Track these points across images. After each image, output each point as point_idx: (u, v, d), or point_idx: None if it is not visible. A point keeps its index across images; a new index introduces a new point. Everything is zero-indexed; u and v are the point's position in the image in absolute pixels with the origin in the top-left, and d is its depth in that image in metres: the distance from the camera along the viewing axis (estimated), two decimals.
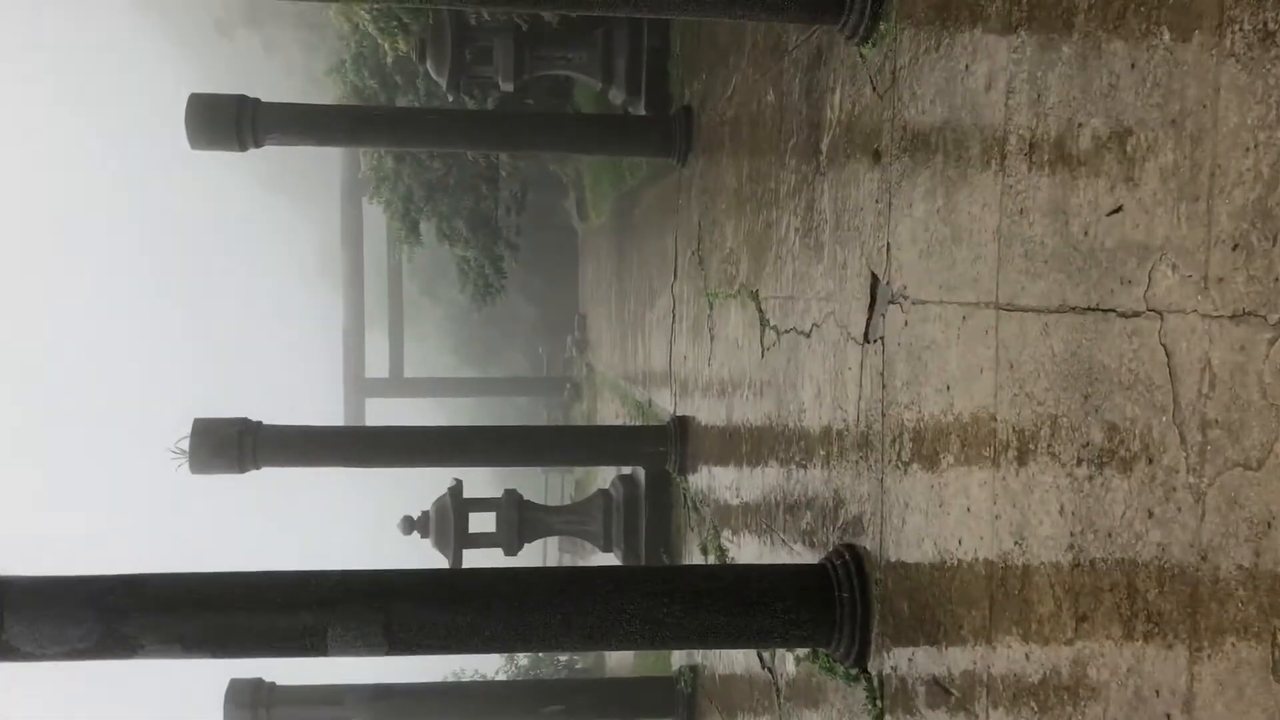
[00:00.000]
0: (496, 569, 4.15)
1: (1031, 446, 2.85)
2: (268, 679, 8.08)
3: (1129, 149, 2.41)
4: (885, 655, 3.92)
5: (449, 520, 9.57)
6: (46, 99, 61.42)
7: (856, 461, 4.29)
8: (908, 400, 3.75)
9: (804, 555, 5.06)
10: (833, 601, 4.11)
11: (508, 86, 10.66)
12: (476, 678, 14.60)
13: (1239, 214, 2.04)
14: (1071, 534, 2.63)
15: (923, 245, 3.64)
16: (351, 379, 23.15)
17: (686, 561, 8.65)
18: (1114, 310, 2.46)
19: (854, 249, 4.37)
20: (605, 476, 12.80)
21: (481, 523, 9.85)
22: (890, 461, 3.90)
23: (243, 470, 7.53)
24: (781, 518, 5.51)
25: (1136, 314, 2.37)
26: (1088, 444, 2.56)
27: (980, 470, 3.16)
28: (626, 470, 10.39)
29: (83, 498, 62.31)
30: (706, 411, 7.72)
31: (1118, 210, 2.45)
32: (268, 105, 7.38)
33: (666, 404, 9.60)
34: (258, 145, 7.43)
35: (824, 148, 4.86)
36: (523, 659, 15.77)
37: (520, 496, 10.08)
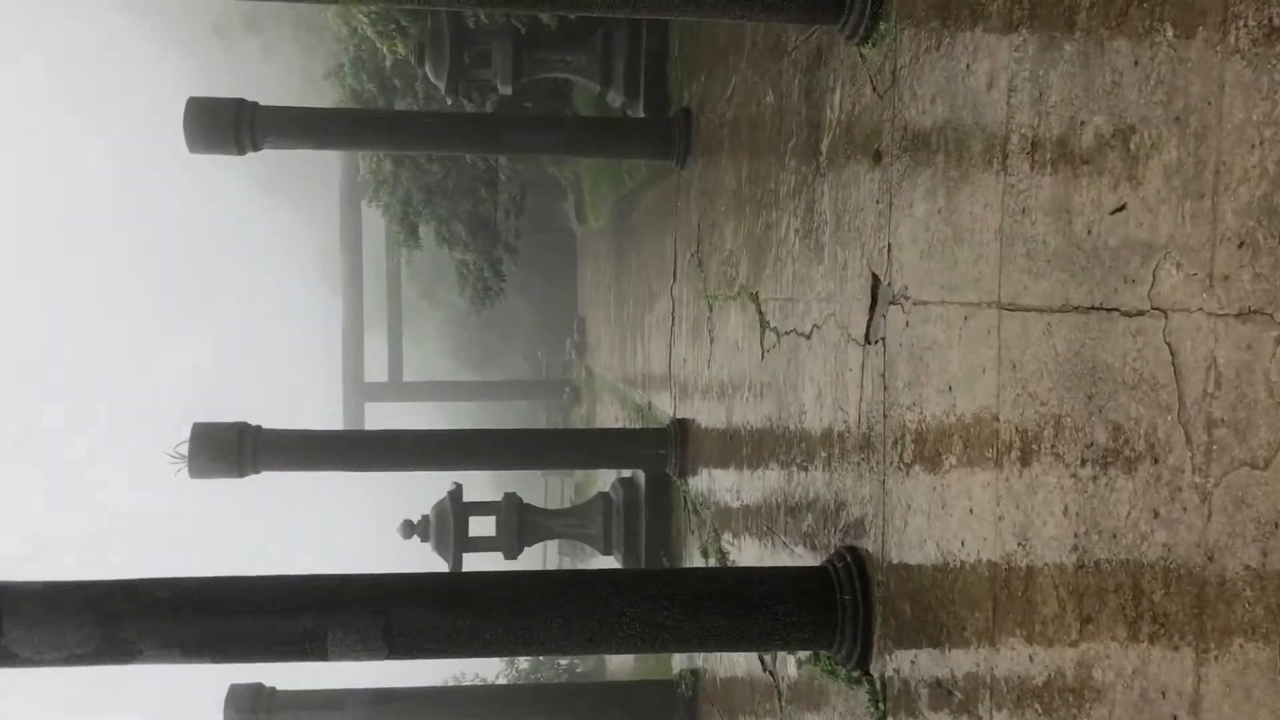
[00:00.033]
0: (496, 573, 4.13)
1: (1035, 447, 2.83)
2: (268, 684, 8.06)
3: (1132, 147, 2.39)
4: (887, 658, 3.90)
5: (449, 524, 9.55)
6: (46, 102, 61.45)
7: (858, 463, 4.28)
8: (909, 401, 3.73)
9: (805, 558, 5.04)
10: (834, 604, 4.10)
11: (506, 89, 10.65)
12: (477, 681, 14.57)
13: (1244, 211, 2.02)
14: (1075, 535, 2.62)
15: (924, 245, 3.63)
16: (350, 383, 23.14)
17: (687, 564, 8.63)
18: (1118, 309, 2.44)
19: (854, 250, 4.36)
20: (605, 480, 12.78)
21: (481, 526, 9.83)
22: (892, 463, 3.89)
23: (242, 474, 7.52)
24: (782, 520, 5.49)
25: (1140, 313, 2.35)
26: (1092, 444, 2.55)
27: (983, 471, 3.15)
28: (626, 473, 10.37)
29: (81, 502, 62.25)
30: (706, 414, 7.70)
31: (1121, 209, 2.43)
32: (266, 109, 7.37)
33: (666, 407, 9.59)
34: (256, 149, 7.42)
35: (824, 148, 4.84)
36: (523, 663, 15.74)
37: (520, 500, 10.06)
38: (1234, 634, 2.03)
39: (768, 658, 5.83)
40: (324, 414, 22.33)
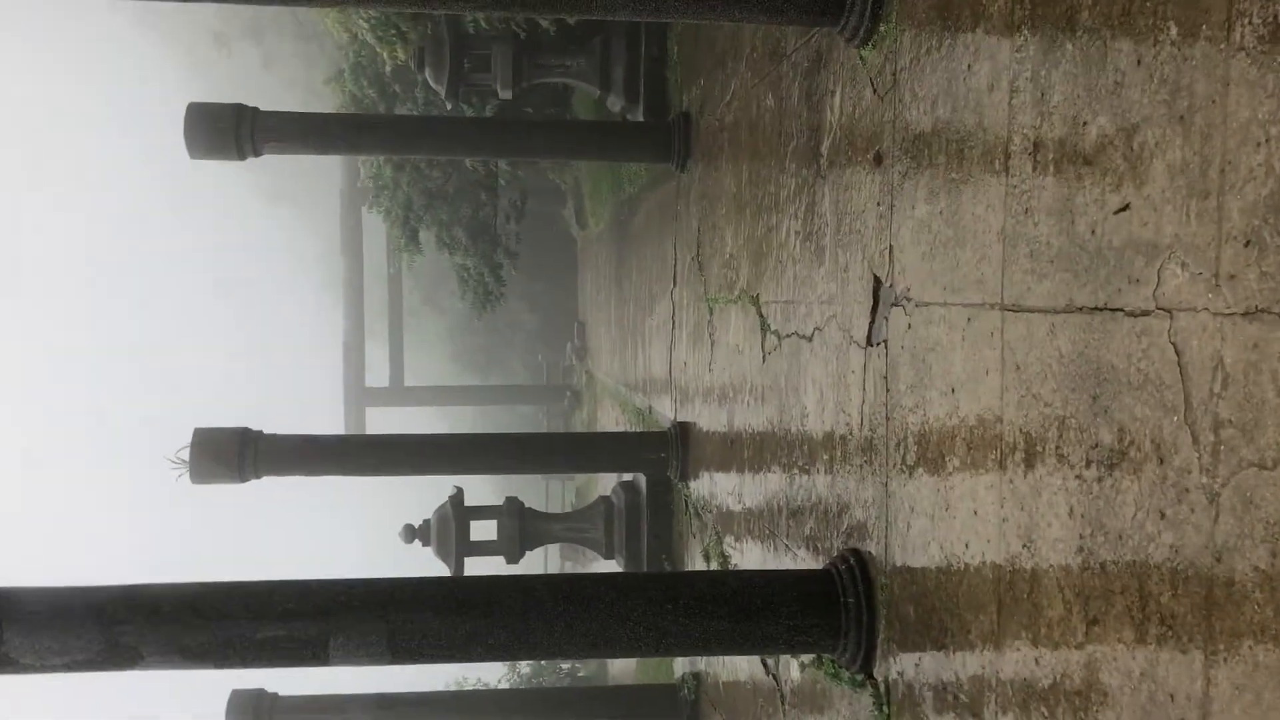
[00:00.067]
0: (499, 576, 4.12)
1: (1039, 448, 2.82)
2: (270, 689, 8.04)
3: (1136, 146, 2.38)
4: (891, 660, 3.88)
5: (450, 528, 9.53)
6: (47, 107, 61.52)
7: (860, 466, 4.26)
8: (912, 403, 3.72)
9: (808, 561, 5.02)
10: (838, 607, 4.08)
11: (506, 94, 10.65)
12: (479, 686, 14.55)
13: (1250, 210, 2.01)
14: (1081, 536, 2.60)
15: (925, 247, 3.62)
16: (352, 388, 23.13)
17: (689, 568, 8.61)
18: (1122, 310, 2.43)
19: (856, 252, 4.35)
20: (606, 484, 12.77)
21: (483, 531, 9.82)
22: (895, 465, 3.87)
23: (243, 479, 7.51)
24: (785, 523, 5.47)
25: (1145, 313, 2.34)
26: (1097, 445, 2.53)
27: (987, 473, 3.13)
28: (628, 477, 10.36)
29: (83, 508, 62.22)
30: (707, 417, 7.69)
31: (1125, 208, 2.42)
32: (266, 113, 7.37)
33: (667, 410, 9.58)
34: (257, 154, 7.42)
35: (824, 151, 4.83)
36: (525, 667, 15.72)
37: (521, 504, 10.04)
38: (1243, 636, 2.02)
39: (770, 661, 5.82)
40: (325, 419, 22.33)
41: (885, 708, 3.95)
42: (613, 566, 10.37)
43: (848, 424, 4.42)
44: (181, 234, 62.96)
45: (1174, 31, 2.25)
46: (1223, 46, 2.09)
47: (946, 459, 3.42)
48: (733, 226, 6.87)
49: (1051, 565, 2.75)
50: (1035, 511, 2.84)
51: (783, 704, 5.56)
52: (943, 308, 3.47)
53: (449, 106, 11.23)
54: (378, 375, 24.17)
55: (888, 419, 3.95)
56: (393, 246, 17.14)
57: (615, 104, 10.58)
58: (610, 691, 11.99)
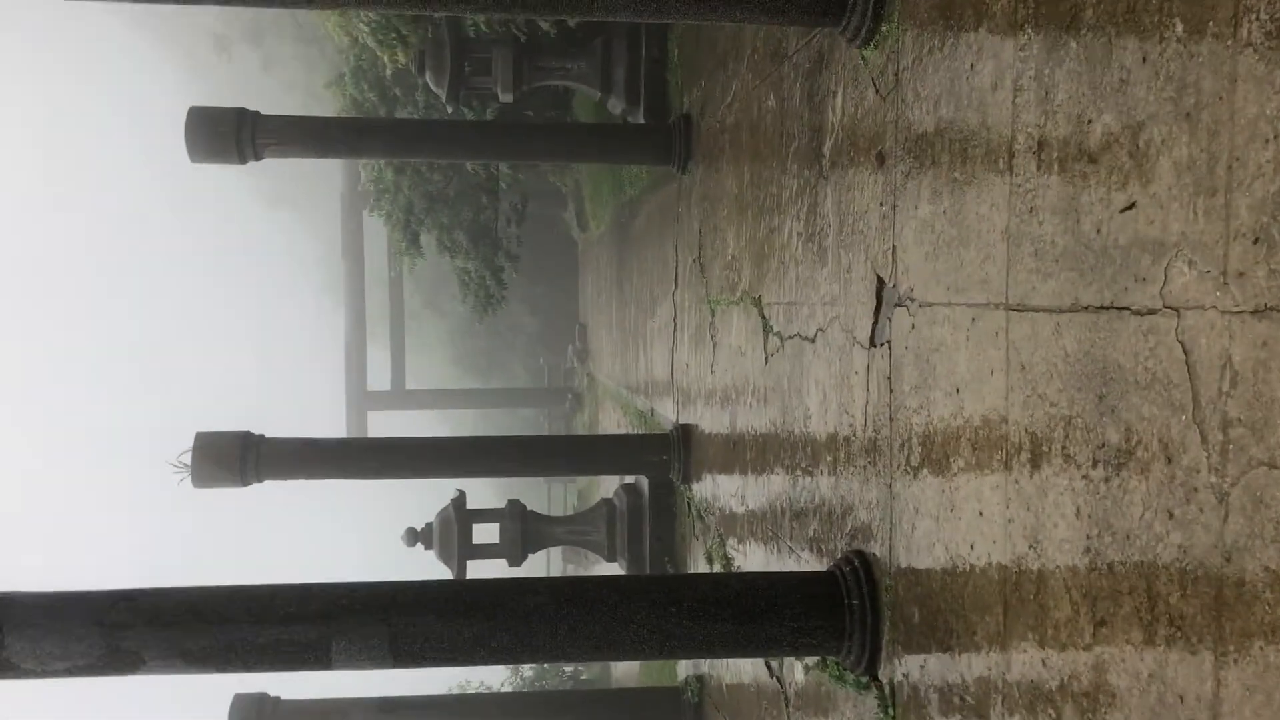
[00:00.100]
0: (501, 579, 4.11)
1: (1045, 449, 2.80)
2: (272, 693, 8.03)
3: (1142, 144, 2.37)
4: (896, 663, 3.86)
5: (452, 532, 9.52)
6: (48, 113, 61.56)
7: (864, 467, 4.25)
8: (916, 404, 3.70)
9: (811, 563, 5.01)
10: (842, 609, 4.06)
11: (506, 98, 10.65)
12: (482, 689, 14.53)
13: (1259, 207, 2.00)
14: (1088, 537, 2.59)
15: (929, 247, 3.60)
16: (353, 391, 23.12)
17: (691, 570, 8.59)
18: (1128, 308, 2.42)
19: (858, 253, 4.33)
20: (608, 486, 12.75)
21: (485, 534, 9.80)
22: (899, 466, 3.86)
23: (245, 483, 7.49)
24: (788, 525, 5.46)
25: (1152, 311, 2.32)
26: (1103, 445, 2.52)
27: (992, 474, 3.12)
28: (630, 479, 10.34)
29: (84, 511, 62.20)
30: (710, 419, 7.67)
31: (1131, 207, 2.41)
32: (267, 117, 7.36)
33: (669, 412, 9.56)
34: (257, 158, 7.42)
35: (826, 152, 4.82)
36: (528, 670, 15.70)
37: (524, 507, 10.03)
38: (1254, 636, 2.00)
39: (774, 663, 5.80)
40: (327, 422, 22.32)
41: (890, 710, 3.93)
42: (615, 569, 10.35)
43: (851, 425, 4.41)
44: (183, 238, 63.00)
45: (1180, 28, 2.24)
46: (1229, 43, 2.07)
47: (951, 460, 3.40)
48: (734, 228, 6.86)
49: (1058, 566, 2.73)
50: (1041, 512, 2.82)
51: (787, 706, 5.54)
52: (947, 308, 3.45)
53: (450, 110, 11.22)
54: (379, 379, 24.15)
55: (891, 420, 3.93)
56: (394, 250, 17.14)
57: (616, 106, 10.57)
58: (613, 694, 11.96)
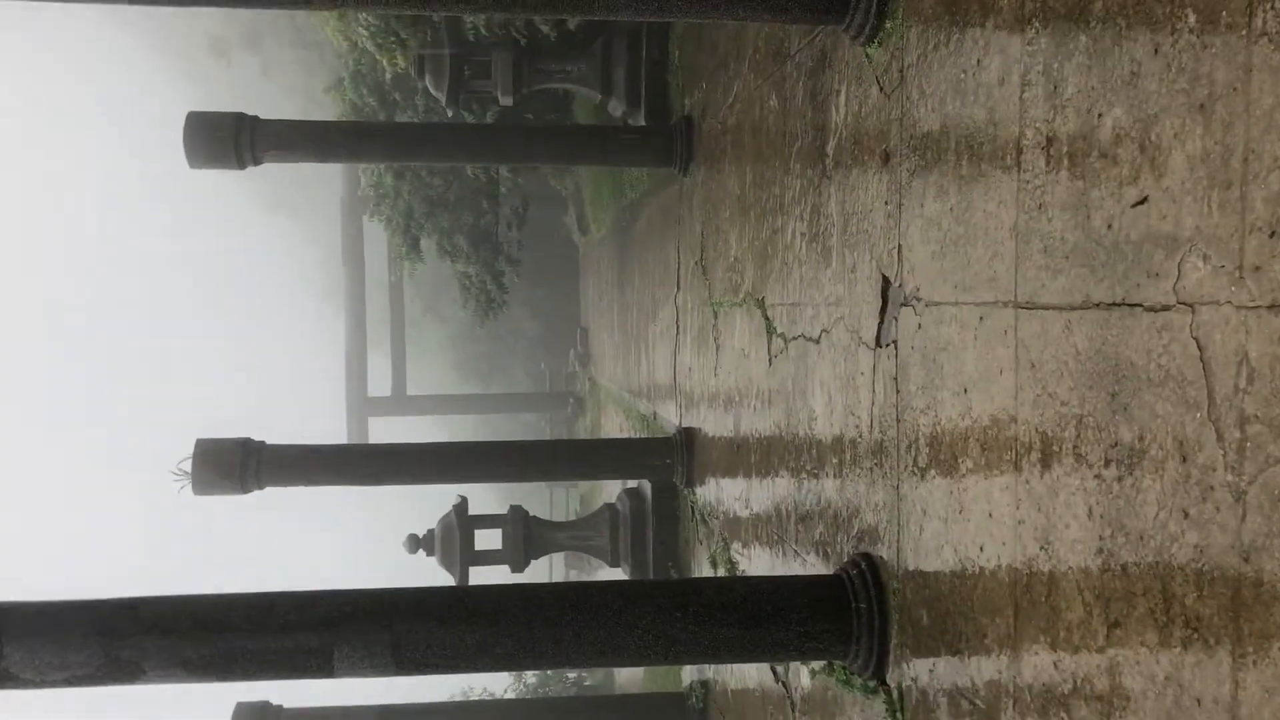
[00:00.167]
0: (504, 585, 4.06)
1: (1056, 448, 2.76)
2: (274, 701, 7.99)
3: (1153, 137, 2.33)
4: (904, 666, 3.82)
5: (454, 538, 9.48)
6: (48, 118, 61.63)
7: (871, 469, 4.21)
8: (923, 405, 3.66)
9: (817, 566, 4.96)
10: (849, 612, 4.02)
11: (507, 101, 10.62)
12: (485, 696, 14.48)
13: (1275, 199, 1.96)
14: (1100, 537, 2.55)
15: (935, 246, 3.56)
16: (354, 397, 23.08)
17: (695, 575, 8.55)
18: (1141, 305, 2.38)
19: (863, 252, 4.30)
20: (611, 491, 12.70)
21: (487, 540, 9.76)
22: (906, 467, 3.82)
23: (245, 491, 7.45)
24: (793, 528, 5.41)
25: (1166, 308, 2.29)
26: (1116, 444, 2.48)
27: (1002, 474, 3.08)
28: (632, 484, 10.30)
29: (83, 519, 62.18)
30: (713, 423, 7.63)
31: (1143, 201, 2.37)
32: (265, 122, 7.33)
33: (672, 416, 9.52)
34: (256, 163, 7.38)
35: (830, 151, 4.79)
36: (531, 677, 15.65)
37: (526, 512, 9.99)
38: (1273, 638, 1.96)
39: (780, 668, 5.75)
40: (328, 429, 22.28)
41: (899, 714, 3.89)
42: (618, 574, 10.31)
43: (857, 426, 4.37)
44: (182, 244, 63.03)
45: (1192, 19, 2.20)
46: (1244, 33, 2.04)
47: (959, 460, 3.36)
48: (737, 229, 6.82)
49: (1070, 567, 2.69)
50: (1052, 512, 2.78)
51: (793, 711, 5.50)
52: (954, 307, 3.41)
53: (450, 113, 11.20)
54: (380, 384, 24.11)
55: (898, 421, 3.89)
56: (394, 255, 17.11)
57: (616, 109, 10.54)
58: (617, 700, 11.91)
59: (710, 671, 8.21)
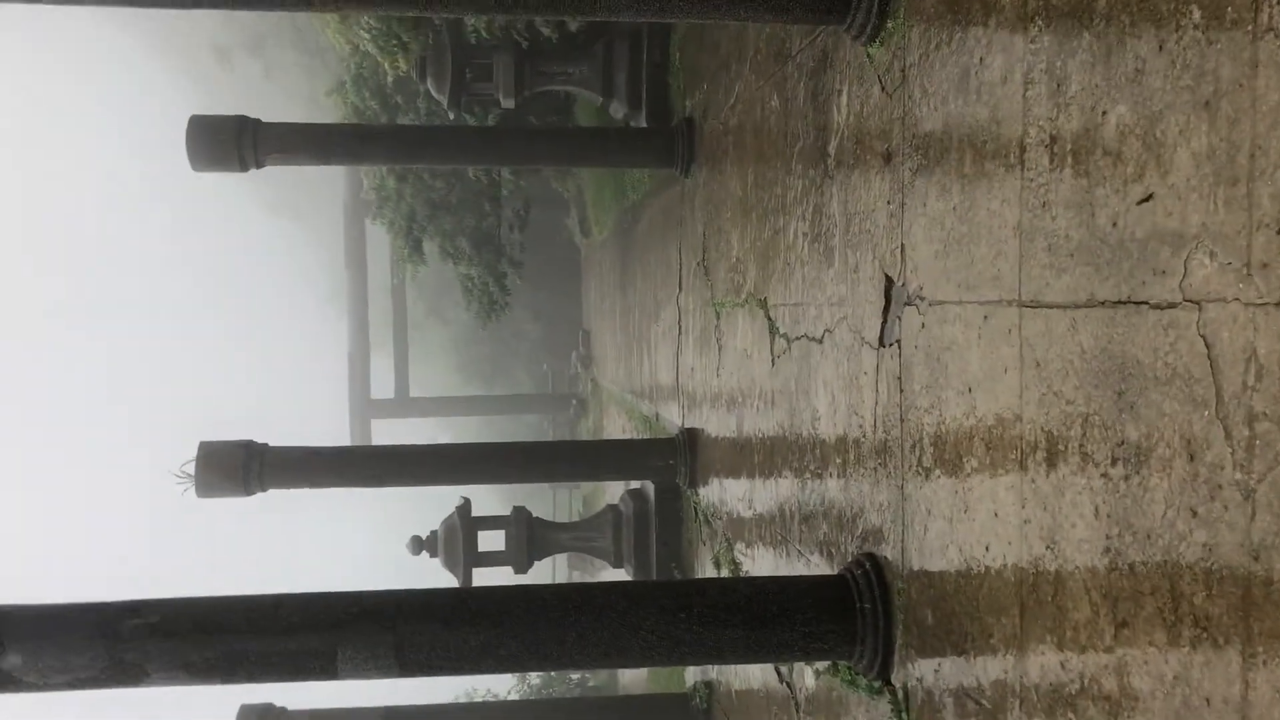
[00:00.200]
0: (508, 587, 4.05)
1: (1061, 447, 2.75)
2: (278, 704, 7.98)
3: (1159, 134, 2.32)
4: (910, 666, 3.81)
5: (458, 539, 9.47)
6: (49, 122, 61.70)
7: (875, 469, 4.20)
8: (927, 404, 3.65)
9: (821, 566, 4.95)
10: (853, 613, 4.01)
11: (508, 103, 10.62)
12: (489, 698, 14.47)
13: None
14: (1107, 536, 2.53)
15: (939, 245, 3.55)
16: (357, 399, 23.09)
17: (699, 576, 8.53)
18: (1147, 302, 2.37)
19: (866, 252, 4.29)
20: (614, 492, 12.69)
21: (490, 541, 9.75)
22: (910, 467, 3.81)
23: (249, 493, 7.45)
24: (797, 529, 5.40)
25: (1172, 305, 2.27)
26: (1123, 442, 2.46)
27: (1007, 474, 3.07)
28: (635, 485, 10.29)
29: (86, 522, 62.22)
30: (716, 423, 7.62)
31: (1148, 199, 2.36)
32: (268, 124, 7.33)
33: (674, 417, 9.51)
34: (259, 166, 7.38)
35: (832, 151, 4.78)
36: (535, 678, 15.63)
37: (529, 514, 9.98)
38: None
39: (784, 668, 5.74)
40: (331, 431, 22.29)
41: (904, 715, 3.88)
42: (621, 575, 10.30)
43: (861, 426, 4.36)
44: (185, 247, 63.08)
45: (1197, 15, 2.19)
46: (1250, 28, 2.02)
47: (964, 460, 3.35)
48: (738, 230, 6.81)
49: (1077, 567, 2.67)
50: (1059, 512, 2.77)
51: (797, 712, 5.48)
52: (958, 306, 3.40)
53: (451, 116, 11.20)
54: (383, 387, 24.11)
55: (902, 420, 3.88)
56: (396, 258, 17.11)
57: (618, 110, 10.54)
58: (621, 701, 11.90)
59: (714, 672, 8.19)
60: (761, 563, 6.27)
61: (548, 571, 20.99)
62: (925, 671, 3.67)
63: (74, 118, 60.73)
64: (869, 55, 4.22)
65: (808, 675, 5.23)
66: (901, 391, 3.89)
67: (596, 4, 4.40)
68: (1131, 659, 2.43)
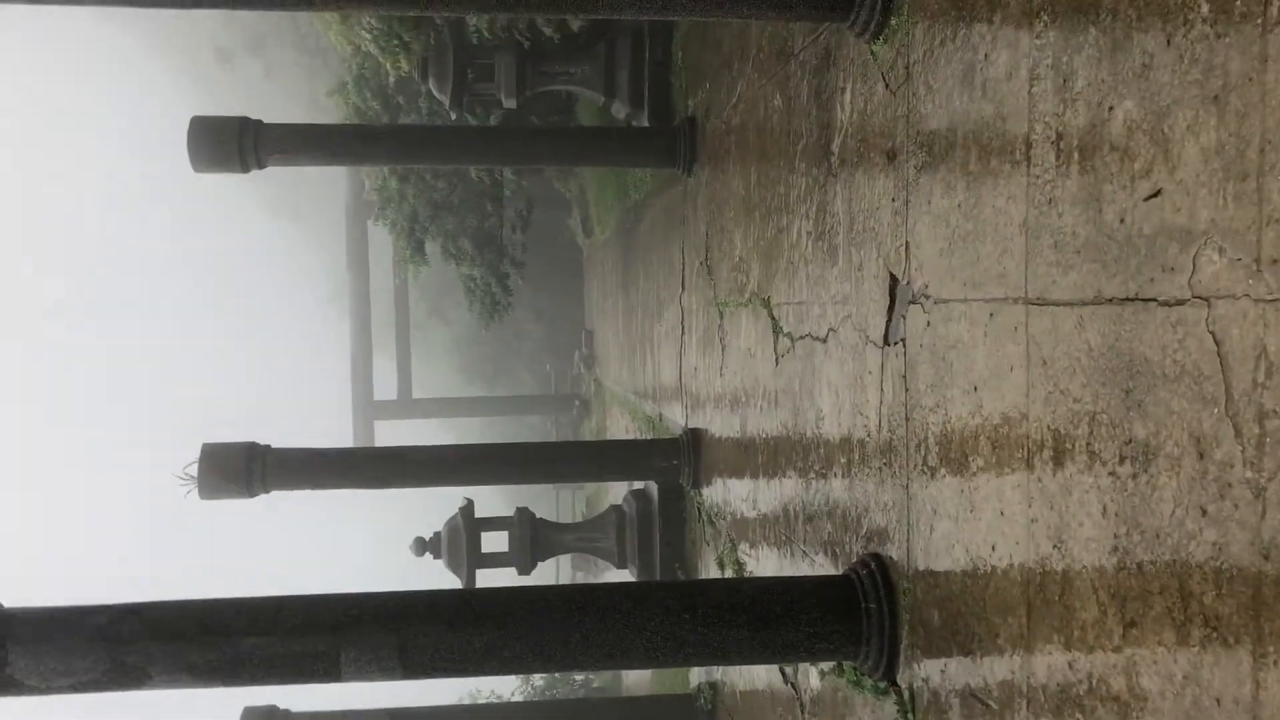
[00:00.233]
0: (511, 588, 4.04)
1: (1068, 446, 2.73)
2: (282, 706, 7.97)
3: (1166, 130, 2.30)
4: (916, 667, 3.79)
5: (461, 540, 9.46)
6: (50, 124, 61.75)
7: (879, 468, 4.18)
8: (933, 403, 3.63)
9: (826, 566, 4.93)
10: (859, 613, 3.99)
11: (510, 103, 10.60)
12: (493, 699, 14.45)
13: None
14: (1115, 535, 2.51)
15: (944, 243, 3.53)
16: (360, 401, 23.08)
17: (703, 576, 8.52)
18: (1155, 299, 2.35)
19: (870, 250, 4.27)
20: (617, 493, 12.67)
21: (494, 542, 9.74)
22: (916, 467, 3.79)
23: (252, 494, 7.44)
24: (801, 529, 5.38)
25: (1180, 302, 2.26)
26: (1131, 441, 2.45)
27: (1013, 473, 3.05)
28: (639, 485, 10.27)
29: (88, 524, 62.27)
30: (720, 423, 7.60)
31: (1156, 194, 2.34)
32: (269, 125, 7.32)
33: (678, 417, 9.49)
34: (260, 166, 7.37)
35: (835, 149, 4.76)
36: (539, 679, 15.60)
37: (533, 514, 9.97)
38: None
39: (789, 669, 5.72)
40: (333, 432, 22.29)
41: (910, 715, 3.86)
42: (625, 576, 10.28)
43: (865, 426, 4.34)
44: (186, 246, 63.13)
45: (1205, 9, 2.17)
46: (1259, 22, 2.01)
47: (970, 459, 3.33)
48: (741, 229, 6.80)
49: (1084, 566, 2.65)
50: (1066, 511, 2.75)
51: (802, 713, 5.47)
52: (963, 304, 3.38)
53: (453, 116, 11.18)
54: (385, 388, 24.10)
55: (907, 419, 3.86)
56: (398, 258, 17.10)
57: (620, 110, 10.52)
58: (625, 702, 11.88)
59: (718, 673, 8.17)
60: (766, 563, 6.25)
61: (551, 573, 20.97)
62: (931, 672, 3.65)
63: (74, 118, 60.76)
64: (872, 52, 4.21)
65: (812, 676, 5.21)
66: (906, 390, 3.87)
67: (599, 1, 4.39)
68: (1140, 659, 2.41)
